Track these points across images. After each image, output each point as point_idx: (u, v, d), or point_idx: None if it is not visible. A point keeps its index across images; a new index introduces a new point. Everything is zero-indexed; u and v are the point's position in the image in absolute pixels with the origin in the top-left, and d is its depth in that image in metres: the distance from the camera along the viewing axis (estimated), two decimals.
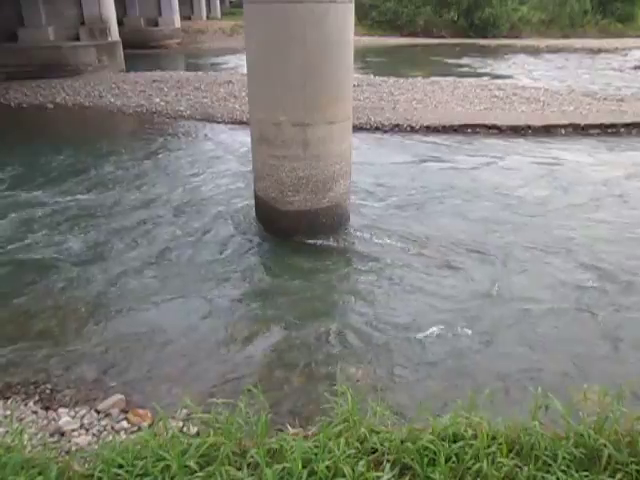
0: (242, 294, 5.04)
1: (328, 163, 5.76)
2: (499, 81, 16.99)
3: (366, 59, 24.06)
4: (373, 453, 2.32)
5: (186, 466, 2.21)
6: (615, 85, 16.67)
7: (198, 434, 2.75)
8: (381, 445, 2.34)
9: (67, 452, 2.80)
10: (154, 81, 16.21)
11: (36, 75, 16.72)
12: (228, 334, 4.42)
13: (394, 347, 4.23)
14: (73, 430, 3.19)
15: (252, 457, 2.25)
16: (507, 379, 3.82)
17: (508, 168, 8.75)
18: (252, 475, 2.18)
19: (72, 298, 4.92)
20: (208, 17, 42.64)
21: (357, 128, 10.03)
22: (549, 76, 19.12)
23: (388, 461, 2.27)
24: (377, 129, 11.09)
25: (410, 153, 9.60)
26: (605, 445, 2.28)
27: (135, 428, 3.23)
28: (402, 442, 2.35)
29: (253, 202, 6.54)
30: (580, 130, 10.82)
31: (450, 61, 23.95)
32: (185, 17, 36.75)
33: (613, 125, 10.92)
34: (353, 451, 2.28)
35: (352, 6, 5.48)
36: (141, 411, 3.40)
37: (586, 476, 2.19)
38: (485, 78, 18.04)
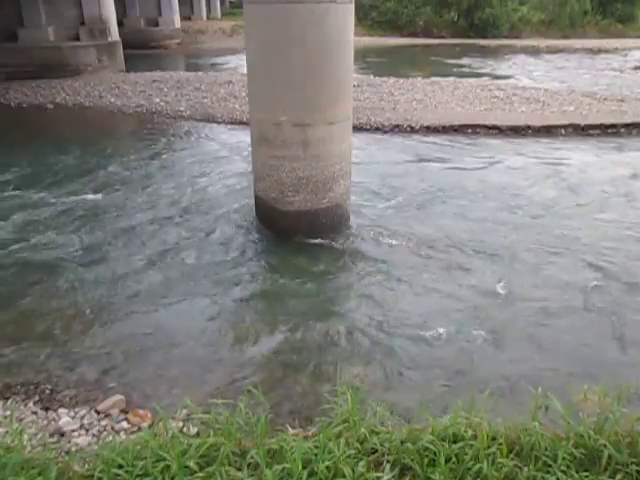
0: (242, 294, 5.04)
1: (328, 163, 5.76)
2: (499, 81, 16.99)
3: (366, 59, 24.06)
4: (373, 453, 2.32)
5: (186, 466, 2.21)
6: (615, 85, 16.67)
7: (198, 434, 2.75)
8: (381, 445, 2.34)
9: (67, 452, 2.80)
10: (154, 81, 16.21)
11: (36, 75, 16.72)
12: (228, 334, 4.42)
13: (394, 347, 4.23)
14: (73, 430, 3.19)
15: (252, 457, 2.25)
16: (510, 380, 3.80)
17: (509, 168, 8.75)
18: (252, 475, 2.18)
19: (72, 299, 4.91)
20: (208, 17, 42.64)
21: (357, 128, 10.03)
22: (549, 76, 19.12)
23: (388, 461, 2.27)
24: (377, 129, 11.09)
25: (410, 153, 9.60)
26: (605, 446, 2.28)
27: (135, 428, 3.23)
28: (402, 442, 2.35)
29: (251, 202, 6.54)
30: (580, 130, 10.82)
31: (450, 61, 23.96)
32: (185, 17, 36.76)
33: (613, 125, 10.92)
34: (353, 451, 2.28)
35: (352, 6, 5.49)
36: (141, 411, 3.40)
37: (586, 476, 2.19)
38: (485, 78, 18.04)
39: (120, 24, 22.37)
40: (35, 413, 3.39)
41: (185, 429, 2.96)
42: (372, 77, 16.76)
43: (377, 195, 7.49)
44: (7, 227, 6.47)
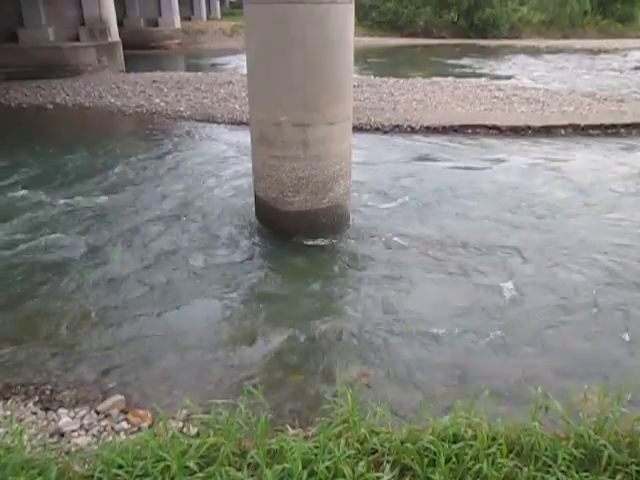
0: (241, 295, 5.04)
1: (328, 163, 5.76)
2: (499, 82, 16.99)
3: (366, 60, 24.07)
4: (373, 454, 2.32)
5: (186, 467, 2.21)
6: (615, 86, 16.68)
7: (198, 435, 2.75)
8: (381, 446, 2.34)
9: (67, 453, 2.80)
10: (154, 82, 16.21)
11: (36, 75, 16.72)
12: (227, 335, 4.42)
13: (394, 347, 4.23)
14: (73, 431, 3.18)
15: (252, 458, 2.25)
16: (513, 381, 3.79)
17: (510, 168, 8.75)
18: (252, 476, 2.18)
19: (72, 299, 4.91)
20: (208, 18, 42.68)
21: (357, 129, 10.03)
22: (549, 77, 19.13)
23: (388, 462, 2.27)
24: (377, 129, 11.09)
25: (410, 153, 9.60)
26: (605, 446, 2.28)
27: (135, 429, 3.23)
28: (402, 443, 2.35)
29: (250, 201, 6.53)
30: (580, 131, 10.82)
31: (450, 62, 23.96)
32: (185, 18, 36.79)
33: (613, 126, 10.92)
34: (353, 452, 2.28)
35: (352, 6, 5.49)
36: (141, 412, 3.40)
37: (586, 477, 2.19)
38: (485, 79, 18.05)
39: (120, 24, 22.38)
40: (35, 413, 3.39)
41: (185, 429, 2.96)
42: (372, 77, 16.77)
43: (377, 195, 7.48)
44: (13, 227, 6.45)
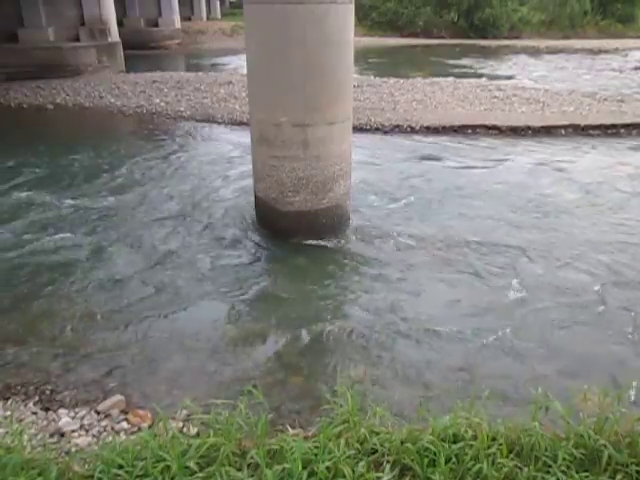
0: (241, 295, 5.03)
1: (328, 163, 5.76)
2: (499, 82, 16.99)
3: (366, 60, 24.07)
4: (373, 454, 2.32)
5: (186, 467, 2.21)
6: (615, 86, 16.68)
7: (198, 435, 2.75)
8: (381, 446, 2.34)
9: (67, 453, 2.79)
10: (154, 82, 16.22)
11: (36, 76, 16.72)
12: (227, 335, 4.42)
13: (394, 347, 4.23)
14: (73, 431, 3.18)
15: (252, 458, 2.25)
16: (516, 382, 3.79)
17: (510, 168, 8.75)
18: (252, 476, 2.18)
19: (72, 300, 4.91)
20: (208, 18, 42.70)
21: (357, 129, 10.03)
22: (549, 77, 19.13)
23: (388, 462, 2.27)
24: (377, 130, 11.09)
25: (410, 153, 9.60)
26: (605, 446, 2.28)
27: (135, 429, 3.23)
28: (402, 443, 2.35)
29: (250, 201, 6.53)
30: (580, 131, 10.82)
31: (450, 62, 23.96)
32: (185, 18, 36.80)
33: (613, 126, 10.92)
34: (353, 452, 2.28)
35: (352, 7, 5.49)
36: (141, 412, 3.40)
37: (586, 477, 2.19)
38: (485, 79, 18.05)
39: (120, 24, 22.40)
40: (35, 413, 3.39)
41: (185, 429, 2.96)
42: (372, 77, 16.77)
43: (377, 195, 7.48)
44: (19, 227, 6.45)
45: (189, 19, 38.82)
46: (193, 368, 3.97)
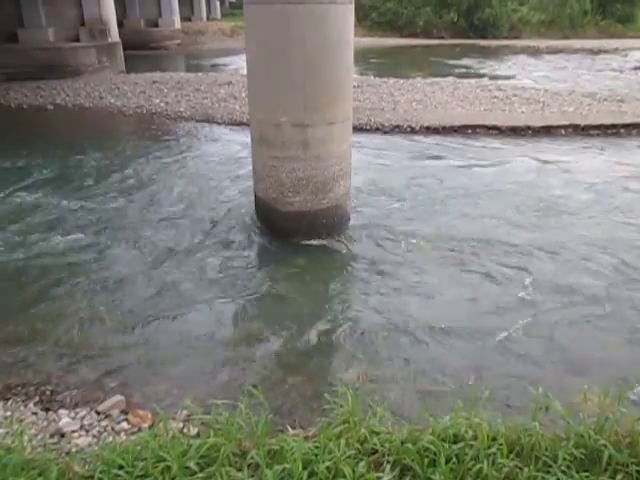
0: (241, 296, 5.03)
1: (328, 164, 5.76)
2: (499, 82, 17.00)
3: (366, 60, 24.08)
4: (373, 454, 2.32)
5: (186, 467, 2.21)
6: (615, 86, 16.68)
7: (198, 435, 2.75)
8: (381, 446, 2.34)
9: (67, 453, 2.79)
10: (154, 82, 16.23)
11: (36, 76, 16.72)
12: (228, 335, 4.42)
13: (395, 348, 4.23)
14: (73, 431, 3.18)
15: (252, 458, 2.25)
16: (519, 382, 3.78)
17: (511, 168, 8.75)
18: (252, 476, 2.18)
19: (72, 301, 4.91)
20: (208, 18, 42.72)
21: (357, 129, 10.04)
22: (549, 77, 19.13)
23: (388, 462, 2.27)
24: (377, 130, 11.10)
25: (410, 153, 9.60)
26: (605, 446, 2.28)
27: (135, 429, 3.22)
28: (402, 443, 2.35)
29: (251, 201, 6.53)
30: (580, 131, 10.82)
31: (450, 62, 23.97)
32: (185, 18, 36.82)
33: (613, 126, 10.92)
34: (353, 452, 2.28)
35: (352, 7, 5.49)
36: (141, 412, 3.40)
37: (586, 477, 2.19)
38: (485, 79, 18.05)
39: (120, 25, 22.41)
40: (35, 414, 3.38)
41: (185, 430, 2.96)
42: (372, 78, 16.78)
43: (377, 195, 7.48)
44: (26, 228, 6.45)
45: (189, 19, 38.84)
46: (193, 368, 3.97)
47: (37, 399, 3.58)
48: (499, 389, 3.60)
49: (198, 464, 2.23)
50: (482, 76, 19.07)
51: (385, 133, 10.98)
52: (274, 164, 5.74)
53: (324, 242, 5.95)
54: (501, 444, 2.30)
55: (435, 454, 2.26)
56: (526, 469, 2.20)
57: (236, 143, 10.29)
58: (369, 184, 7.87)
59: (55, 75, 17.01)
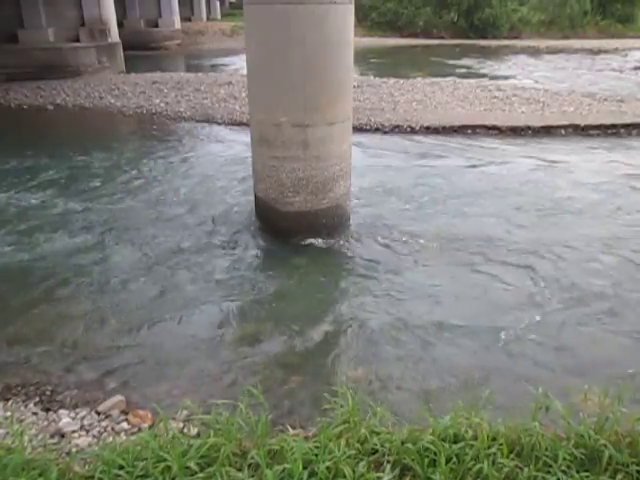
0: (241, 296, 5.03)
1: (328, 164, 5.76)
2: (499, 82, 17.00)
3: (366, 60, 24.08)
4: (373, 454, 2.32)
5: (187, 467, 2.21)
6: (615, 86, 16.68)
7: (198, 435, 2.75)
8: (381, 446, 2.34)
9: (67, 453, 2.79)
10: (154, 82, 16.23)
11: (36, 76, 16.73)
12: (227, 335, 4.42)
13: (395, 347, 4.22)
14: (73, 431, 3.18)
15: (252, 458, 2.25)
16: (516, 382, 3.78)
17: (510, 168, 8.74)
18: (252, 476, 2.18)
19: (71, 302, 4.92)
20: (208, 18, 42.73)
21: (357, 129, 10.03)
22: (549, 77, 19.13)
23: (388, 462, 2.27)
24: (377, 130, 11.10)
25: (410, 153, 9.60)
26: (605, 446, 2.28)
27: (135, 429, 3.22)
28: (402, 443, 2.35)
29: (250, 200, 6.53)
30: (580, 131, 10.82)
31: (450, 62, 23.97)
32: (185, 18, 36.82)
33: (613, 126, 10.92)
34: (353, 452, 2.28)
35: (352, 7, 5.49)
36: (141, 412, 3.40)
37: (587, 477, 2.19)
38: (485, 79, 18.05)
39: (120, 25, 22.43)
40: (35, 414, 3.38)
41: (185, 430, 2.96)
42: (372, 78, 16.78)
43: (377, 195, 7.48)
44: (30, 229, 6.44)
45: (189, 20, 38.84)
46: (193, 368, 3.97)
47: (37, 399, 3.58)
48: (499, 389, 3.60)
49: (198, 464, 2.23)
50: (482, 76, 19.07)
51: (385, 133, 10.98)
52: (274, 164, 5.74)
53: (324, 242, 5.95)
54: (501, 444, 2.30)
55: (435, 454, 2.26)
56: (526, 469, 2.21)
57: (237, 143, 10.27)
58: (368, 184, 7.85)
59: (55, 75, 17.02)
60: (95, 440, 3.10)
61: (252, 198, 6.50)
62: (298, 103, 5.40)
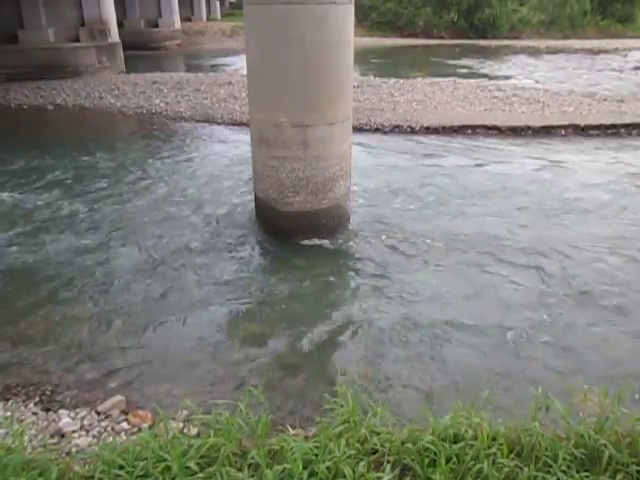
0: (241, 296, 5.04)
1: (328, 164, 5.76)
2: (499, 82, 17.01)
3: (366, 60, 24.08)
4: (374, 454, 2.32)
5: (187, 467, 2.21)
6: (615, 86, 16.68)
7: (199, 435, 2.75)
8: (382, 446, 2.34)
9: (67, 453, 2.79)
10: (154, 82, 16.23)
11: (36, 76, 16.73)
12: (228, 335, 4.42)
13: (395, 348, 4.22)
14: (73, 431, 3.18)
15: (253, 458, 2.25)
16: (517, 382, 3.78)
17: (514, 168, 8.73)
18: (253, 476, 2.18)
19: (77, 303, 4.92)
20: (208, 18, 42.73)
21: (357, 129, 10.03)
22: (549, 77, 19.14)
23: (388, 462, 2.27)
24: (377, 130, 11.10)
25: (410, 154, 9.60)
26: (605, 446, 2.28)
27: (135, 429, 3.22)
28: (403, 443, 2.35)
29: (250, 200, 6.53)
30: (580, 131, 10.82)
31: (450, 62, 23.98)
32: (185, 18, 36.83)
33: (613, 126, 10.92)
34: (353, 452, 2.28)
35: (352, 7, 5.49)
36: (141, 412, 3.40)
37: (587, 477, 2.19)
38: (485, 79, 18.06)
39: (120, 25, 22.43)
40: (35, 414, 3.38)
41: (186, 430, 2.96)
42: (372, 78, 16.79)
43: (377, 195, 7.48)
44: (33, 230, 6.44)
45: (189, 20, 38.85)
46: (193, 368, 3.97)
47: (37, 399, 3.58)
48: (506, 390, 3.60)
49: (198, 464, 2.23)
50: (482, 76, 19.08)
51: (385, 133, 10.98)
52: (274, 164, 5.74)
53: (324, 242, 5.95)
54: (501, 444, 2.30)
55: (435, 454, 2.26)
56: (526, 469, 2.21)
57: (240, 143, 10.24)
58: (368, 184, 7.85)
59: (55, 75, 17.02)
60: (95, 440, 3.10)
61: (252, 197, 6.50)
62: (298, 103, 5.40)
